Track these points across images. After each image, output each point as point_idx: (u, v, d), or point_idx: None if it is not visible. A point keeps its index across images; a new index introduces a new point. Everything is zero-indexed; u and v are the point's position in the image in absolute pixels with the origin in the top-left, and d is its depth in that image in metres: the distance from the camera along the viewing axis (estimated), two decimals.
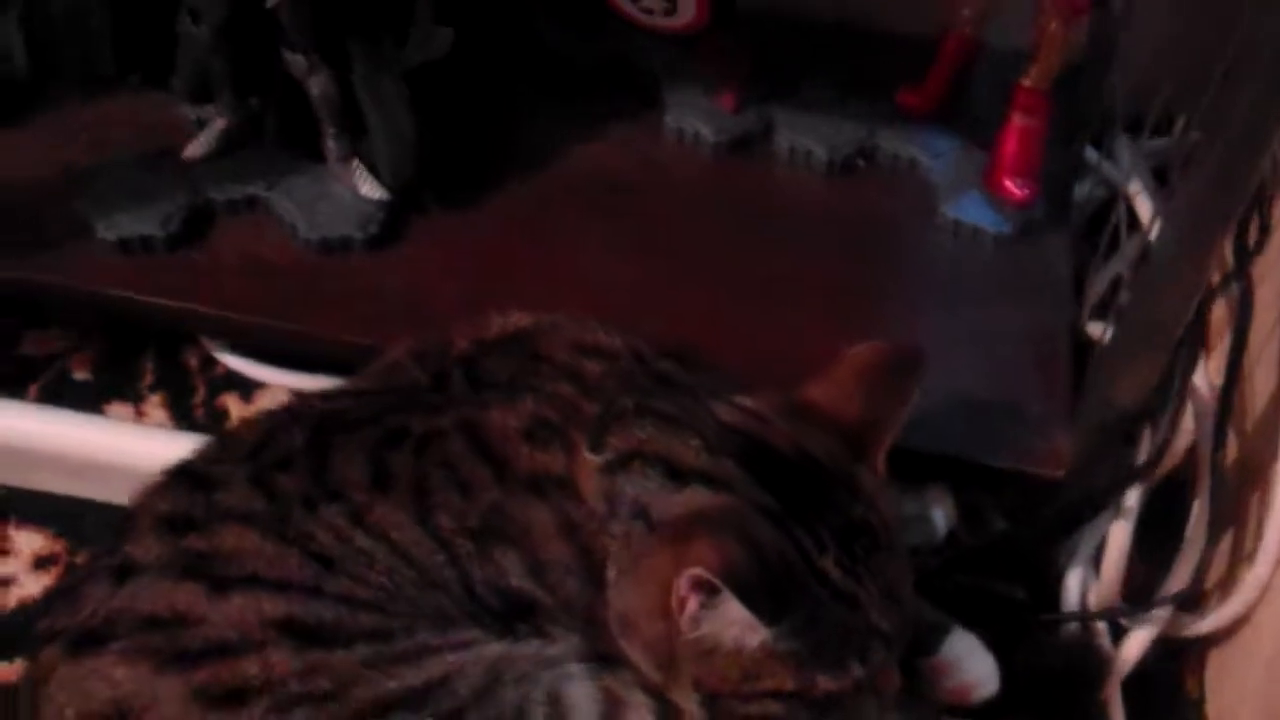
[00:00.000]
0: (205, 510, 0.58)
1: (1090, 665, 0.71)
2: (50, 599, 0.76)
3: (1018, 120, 0.86)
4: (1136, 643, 0.73)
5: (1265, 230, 0.74)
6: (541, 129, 0.94)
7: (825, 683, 0.54)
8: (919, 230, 0.90)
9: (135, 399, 0.89)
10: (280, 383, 0.88)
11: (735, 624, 0.52)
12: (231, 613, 0.54)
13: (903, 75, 0.95)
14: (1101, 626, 0.73)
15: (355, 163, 0.87)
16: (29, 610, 0.78)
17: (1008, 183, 0.87)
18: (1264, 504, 0.73)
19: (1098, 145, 0.97)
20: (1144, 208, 0.88)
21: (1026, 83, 0.84)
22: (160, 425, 0.87)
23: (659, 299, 0.82)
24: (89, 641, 0.54)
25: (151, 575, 0.56)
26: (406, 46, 0.84)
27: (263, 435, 0.63)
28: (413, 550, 0.57)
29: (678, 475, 0.56)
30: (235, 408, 0.89)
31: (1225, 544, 0.78)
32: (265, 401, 0.88)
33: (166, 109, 0.91)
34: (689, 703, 0.56)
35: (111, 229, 0.83)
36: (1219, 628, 0.75)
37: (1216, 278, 0.76)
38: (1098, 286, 0.89)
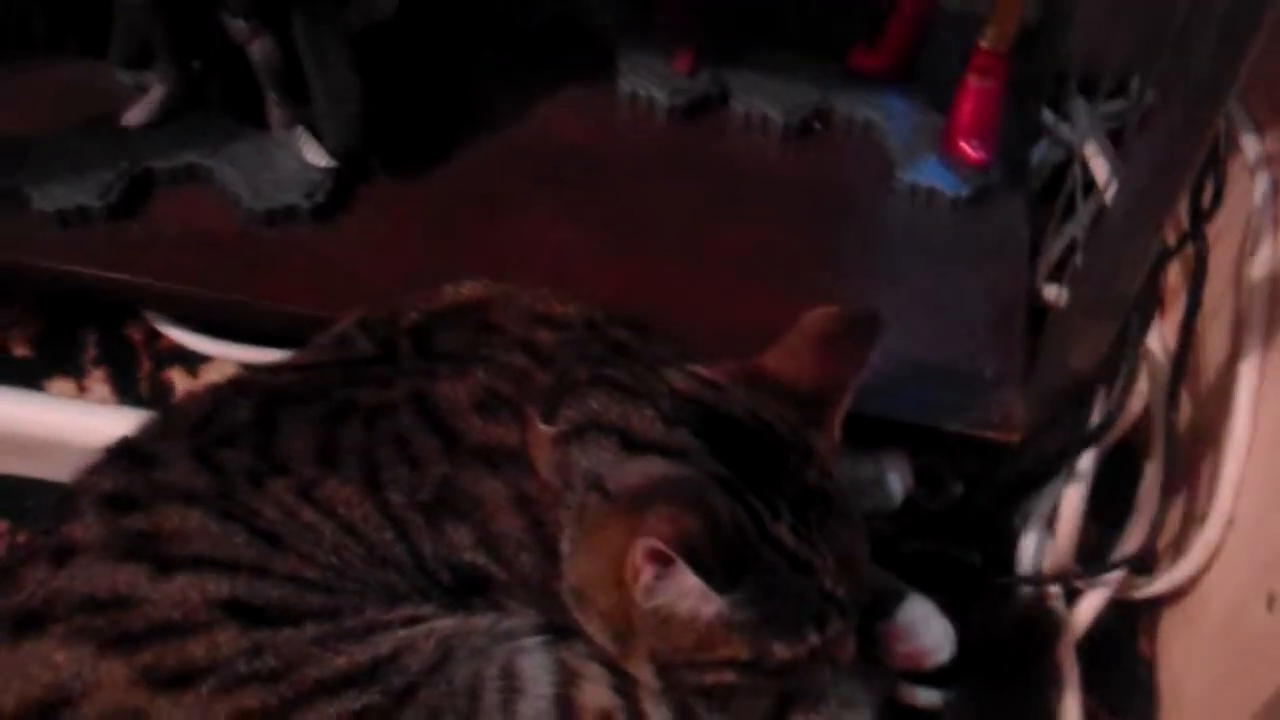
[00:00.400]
0: (146, 488, 0.57)
1: (1044, 628, 0.72)
2: None
3: (974, 82, 0.85)
4: (1090, 605, 0.73)
5: (1220, 192, 0.74)
6: (492, 94, 0.93)
7: (781, 651, 0.54)
8: (875, 193, 0.89)
9: (77, 374, 0.87)
10: (226, 356, 0.86)
11: (690, 594, 0.52)
12: (175, 593, 0.53)
13: (859, 37, 0.94)
14: (1055, 589, 0.74)
15: (300, 129, 0.85)
16: None
17: (964, 145, 0.87)
18: (1216, 466, 0.73)
19: (1054, 107, 0.97)
20: (1100, 170, 0.88)
21: (984, 45, 0.84)
22: (103, 401, 0.85)
23: (613, 266, 0.81)
24: (28, 624, 0.53)
25: (92, 556, 0.55)
26: (349, 8, 0.82)
27: (207, 410, 0.62)
28: (360, 526, 0.56)
29: (633, 445, 0.56)
30: (181, 382, 0.87)
31: (1177, 507, 0.78)
32: (211, 375, 0.86)
33: (103, 75, 0.88)
34: (645, 673, 0.55)
35: (48, 200, 0.81)
36: (1171, 589, 0.75)
37: (1171, 240, 0.76)
38: (1053, 250, 0.89)
